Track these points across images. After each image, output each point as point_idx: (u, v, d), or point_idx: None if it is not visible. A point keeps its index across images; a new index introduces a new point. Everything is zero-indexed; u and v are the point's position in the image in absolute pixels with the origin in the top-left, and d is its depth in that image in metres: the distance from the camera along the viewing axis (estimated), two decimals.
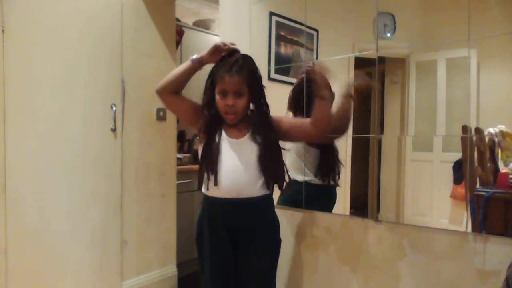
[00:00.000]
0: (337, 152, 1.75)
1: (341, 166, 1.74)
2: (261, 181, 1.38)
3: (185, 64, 1.42)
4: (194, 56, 1.41)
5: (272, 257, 1.47)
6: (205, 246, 1.44)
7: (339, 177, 1.74)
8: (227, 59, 1.37)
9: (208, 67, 1.44)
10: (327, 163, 1.76)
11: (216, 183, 1.36)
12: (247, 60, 1.38)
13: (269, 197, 1.45)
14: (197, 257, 1.50)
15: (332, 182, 1.75)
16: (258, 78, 1.40)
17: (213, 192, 1.39)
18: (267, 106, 1.42)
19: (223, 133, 1.39)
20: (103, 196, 2.16)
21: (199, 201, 3.07)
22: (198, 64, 1.41)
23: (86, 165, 2.08)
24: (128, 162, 2.28)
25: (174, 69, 1.46)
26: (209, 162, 1.37)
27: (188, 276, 2.81)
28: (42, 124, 1.92)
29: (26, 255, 1.87)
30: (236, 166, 1.36)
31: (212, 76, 1.39)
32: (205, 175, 1.38)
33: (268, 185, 1.40)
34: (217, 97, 1.36)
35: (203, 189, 1.42)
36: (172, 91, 1.43)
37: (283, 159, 1.45)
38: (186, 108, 1.46)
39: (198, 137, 1.50)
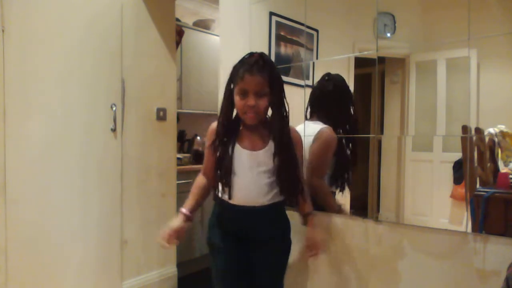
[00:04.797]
0: (350, 160, 1.73)
1: (350, 173, 1.71)
2: (276, 189, 1.37)
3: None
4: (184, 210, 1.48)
5: (283, 260, 1.48)
6: (218, 248, 1.44)
7: (349, 184, 1.72)
8: (246, 60, 1.32)
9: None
10: (340, 172, 1.72)
11: (230, 197, 1.35)
12: (267, 60, 1.33)
13: (282, 202, 1.44)
14: (209, 256, 1.50)
15: (341, 190, 1.73)
16: (280, 78, 1.35)
17: (227, 197, 1.38)
18: (286, 109, 1.36)
19: (237, 144, 1.36)
20: (103, 196, 2.16)
21: None
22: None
23: (86, 165, 2.08)
24: (128, 162, 2.28)
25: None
26: (223, 174, 1.35)
27: (188, 276, 2.81)
28: (42, 124, 1.92)
29: (26, 255, 1.87)
30: (251, 180, 1.34)
31: (231, 78, 1.35)
32: (220, 186, 1.38)
33: (283, 193, 1.39)
34: (236, 98, 1.31)
35: (219, 193, 1.42)
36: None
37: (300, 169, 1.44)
38: (213, 169, 1.42)
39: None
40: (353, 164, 1.73)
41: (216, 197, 1.44)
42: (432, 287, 1.41)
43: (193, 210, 1.47)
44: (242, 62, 1.32)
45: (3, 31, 1.77)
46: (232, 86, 1.34)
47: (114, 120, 2.17)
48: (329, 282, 1.69)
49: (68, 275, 2.02)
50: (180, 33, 2.87)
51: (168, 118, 2.53)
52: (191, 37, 3.18)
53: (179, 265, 2.66)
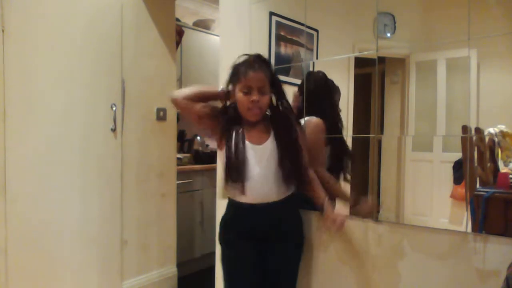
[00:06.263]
0: (346, 146, 1.73)
1: (349, 159, 1.72)
2: (286, 183, 1.39)
3: (214, 89, 1.45)
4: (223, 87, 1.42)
5: (297, 256, 1.49)
6: (231, 248, 1.46)
7: (348, 172, 1.73)
8: (247, 59, 1.38)
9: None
10: (337, 160, 1.73)
11: (244, 192, 1.37)
12: (265, 59, 1.41)
13: (293, 196, 1.46)
14: (220, 257, 1.52)
15: (343, 179, 1.73)
16: (277, 76, 1.43)
17: (240, 197, 1.40)
18: (288, 102, 1.43)
19: (246, 139, 1.38)
20: (103, 196, 2.16)
21: (199, 201, 3.07)
22: (224, 95, 1.42)
23: (86, 165, 2.08)
24: (128, 162, 2.28)
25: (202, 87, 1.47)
26: (235, 171, 1.36)
27: (188, 276, 2.82)
28: (42, 124, 1.92)
29: (26, 255, 1.87)
30: (261, 173, 1.36)
31: (231, 77, 1.39)
32: (231, 183, 1.38)
33: (292, 185, 1.42)
34: (239, 94, 1.35)
35: (230, 195, 1.44)
36: (194, 100, 1.43)
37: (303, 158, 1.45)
38: (205, 112, 1.43)
39: (211, 141, 1.50)
40: (348, 154, 1.71)
41: (229, 200, 1.46)
42: (432, 287, 1.41)
43: None
44: (243, 61, 1.38)
45: (3, 31, 1.77)
46: (231, 85, 1.39)
47: (114, 120, 2.17)
48: (329, 282, 1.69)
49: (68, 275, 2.02)
50: (180, 33, 2.87)
51: (168, 118, 2.53)
52: (191, 37, 3.18)
53: (179, 265, 2.66)
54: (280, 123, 1.40)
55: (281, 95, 1.42)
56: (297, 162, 1.39)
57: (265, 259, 1.43)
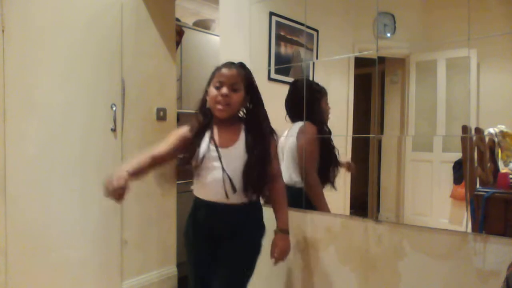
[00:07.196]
0: (335, 155, 1.73)
1: (337, 169, 1.72)
2: (248, 188, 1.36)
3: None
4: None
5: (247, 261, 1.42)
6: (190, 243, 1.48)
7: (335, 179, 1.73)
8: (226, 62, 1.40)
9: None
10: (324, 167, 1.74)
11: (201, 188, 1.40)
12: (246, 67, 1.41)
13: (255, 203, 1.43)
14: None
15: (331, 186, 1.74)
16: (256, 85, 1.41)
17: (199, 193, 1.42)
18: (263, 107, 1.41)
19: (212, 140, 1.37)
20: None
21: None
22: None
23: (86, 165, 2.08)
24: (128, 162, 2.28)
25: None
26: (196, 167, 1.39)
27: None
28: (41, 124, 1.92)
29: (26, 255, 1.87)
30: (222, 175, 1.34)
31: (210, 78, 1.40)
32: (195, 179, 1.43)
33: (254, 191, 1.38)
34: (211, 90, 1.35)
35: (194, 191, 1.46)
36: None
37: (274, 167, 1.44)
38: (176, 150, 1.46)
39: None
40: (335, 160, 1.72)
41: (193, 195, 1.47)
42: (432, 287, 1.41)
43: (134, 173, 1.43)
44: (222, 63, 1.40)
45: (3, 31, 1.77)
46: (208, 87, 1.39)
47: (114, 120, 2.17)
48: (329, 282, 1.69)
49: (68, 275, 2.02)
50: (180, 33, 2.87)
51: (168, 118, 2.53)
52: (191, 37, 3.18)
53: (179, 265, 2.66)
54: (252, 130, 1.38)
55: (257, 101, 1.40)
56: (261, 172, 1.36)
57: (217, 260, 1.40)
